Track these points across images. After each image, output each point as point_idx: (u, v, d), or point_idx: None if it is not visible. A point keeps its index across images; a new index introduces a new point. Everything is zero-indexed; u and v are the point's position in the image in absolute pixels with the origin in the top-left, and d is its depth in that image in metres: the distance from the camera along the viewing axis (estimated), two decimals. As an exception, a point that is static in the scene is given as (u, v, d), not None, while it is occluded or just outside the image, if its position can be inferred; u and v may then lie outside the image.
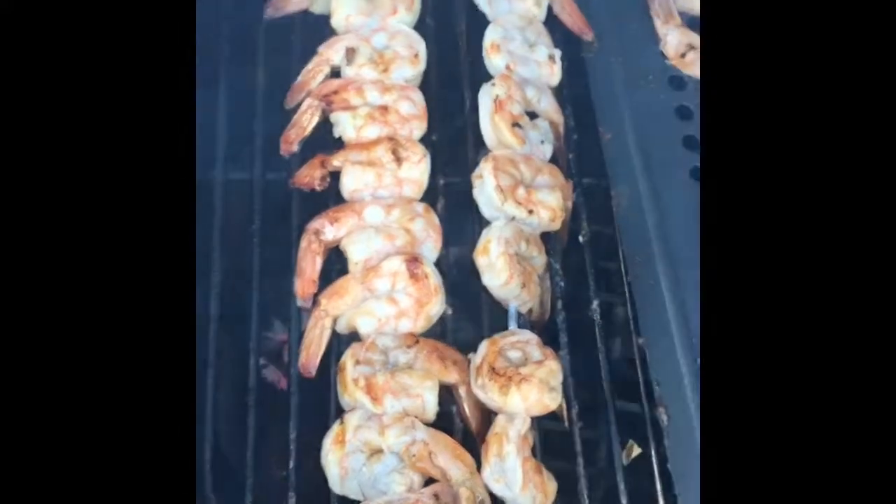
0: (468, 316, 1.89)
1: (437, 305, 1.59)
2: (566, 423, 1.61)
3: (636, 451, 1.63)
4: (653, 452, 1.58)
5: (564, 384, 1.60)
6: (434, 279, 1.59)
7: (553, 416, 1.67)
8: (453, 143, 1.91)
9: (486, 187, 1.68)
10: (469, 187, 1.74)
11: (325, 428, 1.51)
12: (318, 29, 1.87)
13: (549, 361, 1.54)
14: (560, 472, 1.55)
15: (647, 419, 1.60)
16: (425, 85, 1.84)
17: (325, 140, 1.77)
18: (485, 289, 1.67)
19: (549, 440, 1.66)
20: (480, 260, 1.62)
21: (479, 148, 1.81)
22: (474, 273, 1.68)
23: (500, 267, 1.60)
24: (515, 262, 1.61)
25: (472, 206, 1.73)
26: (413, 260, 1.58)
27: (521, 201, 1.67)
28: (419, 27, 1.88)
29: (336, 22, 1.84)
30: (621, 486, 1.56)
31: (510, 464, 1.45)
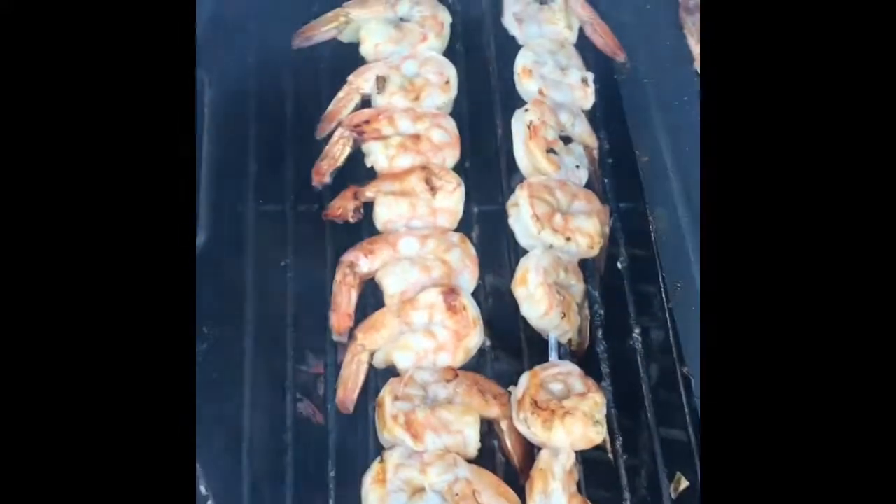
0: (506, 347, 1.86)
1: (475, 338, 1.56)
2: (611, 456, 1.57)
3: (684, 483, 1.59)
4: (699, 483, 1.54)
5: (608, 415, 1.56)
6: (472, 311, 1.56)
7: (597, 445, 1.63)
8: (486, 170, 1.88)
9: (522, 215, 1.65)
10: (503, 215, 1.71)
11: (365, 466, 1.48)
12: (347, 58, 1.85)
13: (592, 394, 1.50)
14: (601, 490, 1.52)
15: (693, 449, 1.56)
16: (457, 112, 1.81)
17: (357, 170, 1.75)
18: (523, 319, 1.64)
19: (591, 469, 1.62)
20: (519, 290, 1.59)
21: (512, 174, 1.79)
22: (512, 303, 1.64)
23: (539, 297, 1.56)
24: (554, 291, 1.58)
25: (507, 234, 1.71)
26: (450, 292, 1.55)
27: (559, 229, 1.64)
28: (449, 53, 1.86)
29: (365, 50, 1.82)
30: (672, 512, 1.52)
31: (556, 501, 1.41)
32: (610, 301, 1.71)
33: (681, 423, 1.61)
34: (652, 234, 1.74)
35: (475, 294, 1.65)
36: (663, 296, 1.69)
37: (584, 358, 1.68)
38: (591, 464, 1.61)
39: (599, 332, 1.67)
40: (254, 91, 1.83)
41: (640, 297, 1.72)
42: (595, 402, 1.49)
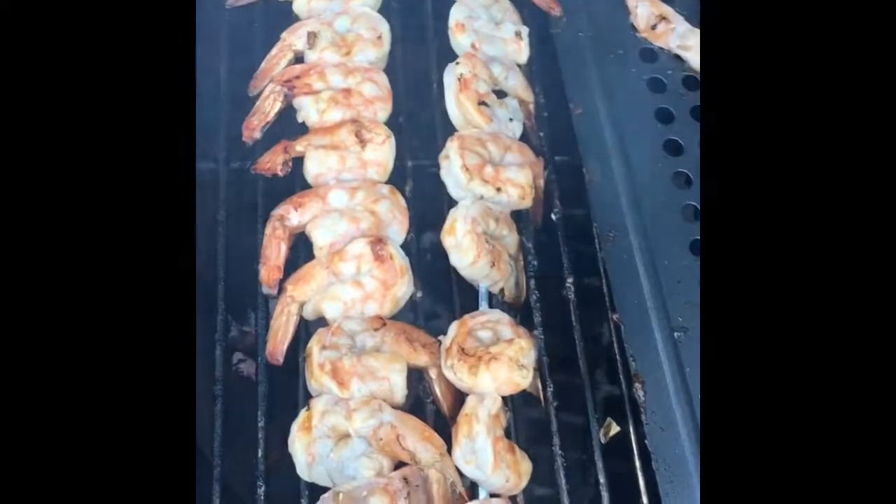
0: (442, 301, 1.87)
1: (403, 287, 1.56)
2: (542, 403, 1.58)
3: (614, 428, 1.60)
4: (630, 429, 1.55)
5: (540, 364, 1.57)
6: (400, 260, 1.56)
7: (533, 402, 1.64)
8: (422, 127, 1.88)
9: (452, 167, 1.65)
10: (438, 171, 1.71)
11: (295, 415, 1.49)
12: (281, 16, 1.85)
13: (519, 339, 1.50)
14: (537, 455, 1.52)
15: (624, 396, 1.57)
16: (391, 68, 1.81)
17: (289, 127, 1.75)
18: (454, 270, 1.64)
19: (530, 427, 1.63)
20: (447, 240, 1.59)
21: (449, 132, 1.79)
22: (447, 258, 1.65)
23: (466, 245, 1.57)
24: (483, 240, 1.58)
25: (444, 191, 1.71)
26: (377, 241, 1.56)
27: (489, 179, 1.64)
28: (384, 11, 1.85)
29: (298, 7, 1.82)
30: (599, 465, 1.53)
31: (480, 444, 1.42)
32: (544, 252, 1.72)
33: (612, 370, 1.62)
34: (586, 186, 1.74)
35: (409, 248, 1.65)
36: (596, 245, 1.69)
37: (520, 309, 1.69)
38: (530, 422, 1.63)
39: (532, 283, 1.68)
40: (187, 50, 1.82)
41: (573, 248, 1.72)
42: (521, 347, 1.49)
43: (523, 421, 1.63)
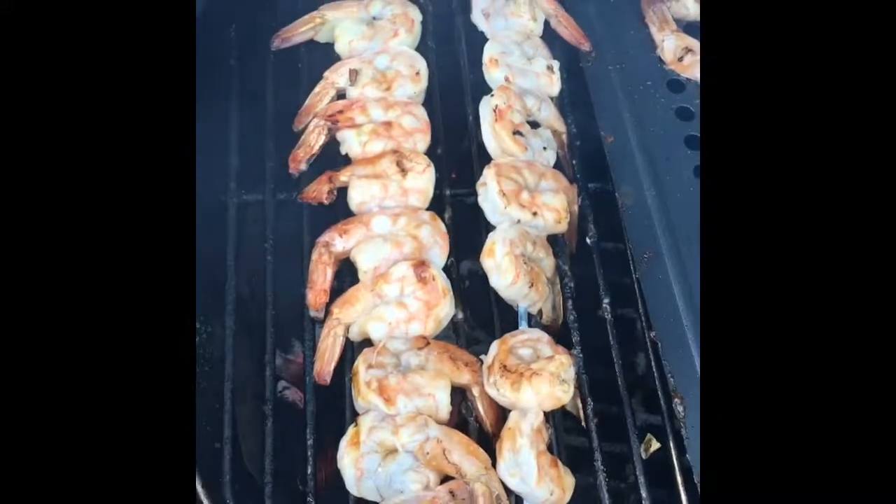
0: (482, 325, 1.91)
1: (445, 307, 1.61)
2: (582, 422, 1.61)
3: (655, 444, 1.63)
4: (671, 444, 1.57)
5: (579, 382, 1.61)
6: (442, 281, 1.62)
7: (572, 427, 1.67)
8: (459, 158, 1.96)
9: (489, 193, 1.71)
10: (476, 200, 1.77)
11: (342, 433, 1.53)
12: (323, 56, 1.94)
13: (559, 356, 1.55)
14: (578, 479, 1.55)
15: (663, 413, 1.60)
16: (429, 103, 1.90)
17: (333, 159, 1.82)
18: (496, 295, 1.69)
19: (570, 451, 1.66)
20: (487, 262, 1.65)
21: (485, 162, 1.86)
22: (487, 284, 1.70)
23: (505, 267, 1.62)
24: (521, 262, 1.63)
25: (482, 221, 1.77)
26: (420, 264, 1.62)
27: (525, 204, 1.70)
28: (421, 49, 1.94)
29: (340, 48, 1.91)
30: (641, 479, 1.55)
31: (524, 457, 1.46)
32: (580, 274, 1.77)
33: (650, 387, 1.65)
34: (619, 210, 1.79)
35: (449, 273, 1.71)
36: (631, 267, 1.74)
37: (559, 332, 1.73)
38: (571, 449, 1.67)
39: (570, 304, 1.72)
40: (235, 90, 1.92)
41: (609, 270, 1.77)
42: (561, 363, 1.53)
43: (564, 447, 1.65)
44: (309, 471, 1.54)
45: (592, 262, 1.78)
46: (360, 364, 1.55)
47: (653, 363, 1.64)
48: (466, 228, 1.81)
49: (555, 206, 1.72)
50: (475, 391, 1.57)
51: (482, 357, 1.60)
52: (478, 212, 1.77)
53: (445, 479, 1.47)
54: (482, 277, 1.71)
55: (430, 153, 1.81)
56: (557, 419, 1.65)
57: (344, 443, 1.49)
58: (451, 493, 1.43)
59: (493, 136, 1.78)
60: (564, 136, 1.89)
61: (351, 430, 1.50)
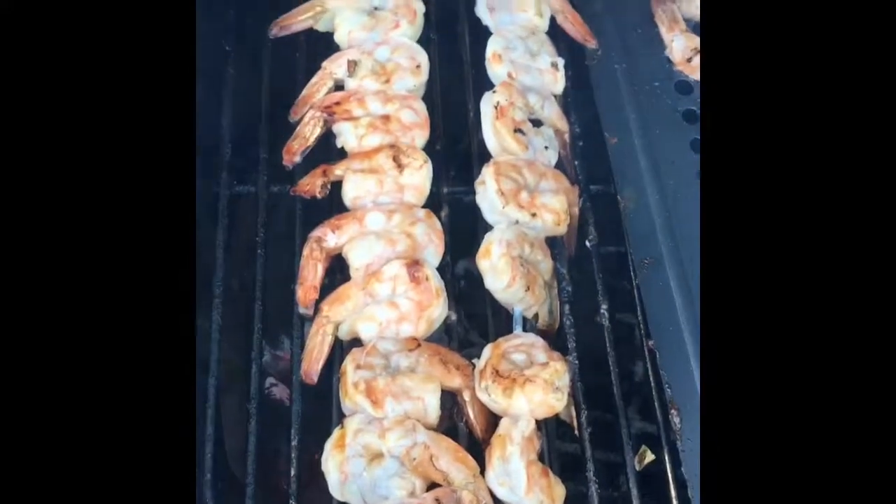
0: (476, 327, 1.87)
1: (438, 308, 1.57)
2: (576, 430, 1.57)
3: (649, 456, 1.58)
4: (666, 457, 1.53)
5: (574, 390, 1.56)
6: (435, 282, 1.57)
7: (565, 435, 1.63)
8: (458, 155, 1.91)
9: (488, 192, 1.66)
10: (474, 198, 1.73)
11: (328, 435, 1.49)
12: (322, 46, 1.89)
13: (553, 363, 1.50)
14: (570, 489, 1.51)
15: (659, 424, 1.55)
16: (429, 97, 1.85)
17: (329, 152, 1.78)
18: (491, 297, 1.65)
19: (563, 458, 1.62)
20: (483, 263, 1.60)
21: (485, 160, 1.81)
22: (482, 285, 1.65)
23: (501, 268, 1.57)
24: (518, 264, 1.59)
25: (480, 220, 1.72)
26: (413, 263, 1.57)
27: (524, 205, 1.65)
28: (423, 42, 1.89)
29: (339, 38, 1.86)
30: (634, 490, 1.51)
31: (514, 466, 1.41)
32: (578, 279, 1.72)
33: (647, 397, 1.61)
34: (621, 214, 1.75)
35: (445, 274, 1.66)
36: (632, 272, 1.70)
37: (554, 337, 1.69)
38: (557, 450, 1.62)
39: (567, 308, 1.68)
40: (230, 77, 1.87)
41: (608, 275, 1.72)
42: (556, 370, 1.49)
43: (556, 454, 1.61)
44: (292, 472, 1.49)
45: (591, 265, 1.73)
46: (349, 364, 1.50)
47: (650, 372, 1.59)
48: (463, 228, 1.76)
49: (554, 208, 1.67)
50: (466, 396, 1.53)
51: (475, 361, 1.56)
52: (476, 211, 1.73)
53: (432, 486, 1.42)
54: (478, 279, 1.66)
55: (429, 149, 1.76)
56: (550, 424, 1.60)
57: (329, 445, 1.45)
58: (437, 500, 1.39)
59: (493, 133, 1.73)
60: (567, 136, 1.84)
61: (336, 432, 1.46)
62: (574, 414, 1.57)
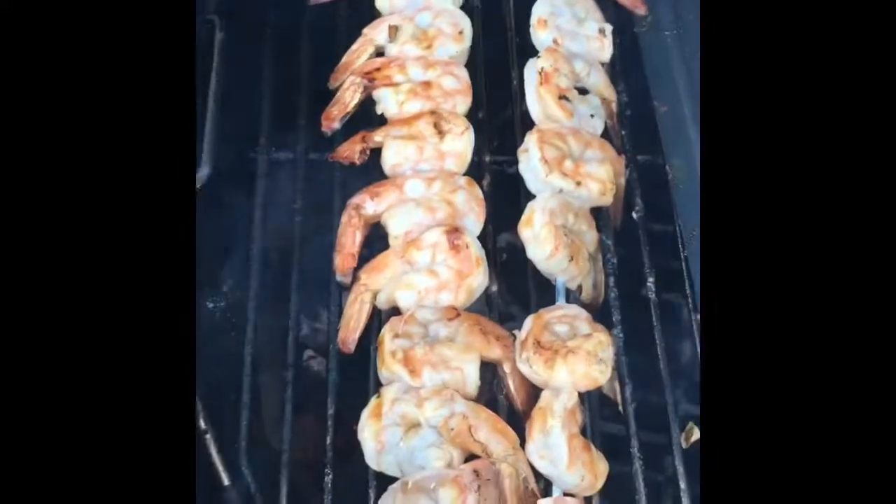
0: (517, 300, 1.82)
1: (479, 277, 1.52)
2: (620, 406, 1.52)
3: (696, 433, 1.53)
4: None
5: (618, 364, 1.51)
6: (476, 250, 1.53)
7: (612, 415, 1.57)
8: (502, 124, 1.86)
9: (531, 160, 1.61)
10: (517, 168, 1.68)
11: (365, 405, 1.45)
12: (363, 13, 1.86)
13: (597, 334, 1.45)
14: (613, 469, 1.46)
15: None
16: (472, 65, 1.80)
17: (369, 120, 1.74)
18: (534, 269, 1.60)
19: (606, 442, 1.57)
20: (525, 232, 1.55)
21: (529, 129, 1.76)
22: (525, 258, 1.61)
23: (544, 237, 1.52)
24: (561, 233, 1.53)
25: (523, 191, 1.67)
26: (453, 230, 1.53)
27: (569, 173, 1.60)
28: (466, 8, 1.84)
29: (380, 3, 1.82)
30: (680, 469, 1.45)
31: (555, 439, 1.37)
32: (624, 250, 1.67)
33: (693, 369, 1.55)
34: (670, 184, 1.69)
35: (486, 244, 1.62)
36: (680, 245, 1.64)
37: (598, 311, 1.63)
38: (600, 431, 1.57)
39: (612, 282, 1.62)
40: (271, 45, 1.85)
41: (655, 247, 1.66)
42: (599, 342, 1.44)
43: (599, 435, 1.56)
44: (328, 441, 1.47)
45: (638, 238, 1.68)
46: (386, 333, 1.47)
47: (697, 346, 1.53)
48: (506, 199, 1.71)
49: (600, 177, 1.61)
50: (506, 367, 1.49)
51: (515, 332, 1.51)
52: (519, 182, 1.67)
53: (470, 457, 1.38)
54: (520, 251, 1.61)
55: (471, 117, 1.72)
56: (594, 405, 1.55)
57: (365, 414, 1.42)
58: (476, 472, 1.34)
59: (537, 99, 1.68)
60: (614, 105, 1.78)
61: (373, 401, 1.43)
62: (618, 389, 1.52)
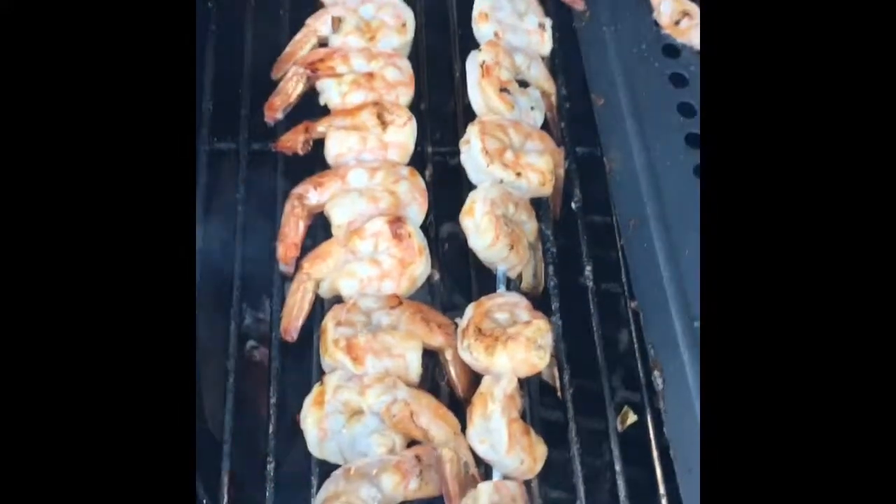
0: (459, 289, 1.85)
1: (421, 266, 1.55)
2: (558, 392, 1.56)
3: (631, 417, 1.57)
4: (648, 418, 1.52)
5: (556, 350, 1.55)
6: (418, 239, 1.55)
7: (551, 403, 1.61)
8: (443, 116, 1.88)
9: (472, 151, 1.64)
10: (460, 161, 1.70)
11: (308, 393, 1.46)
12: (306, 3, 1.86)
13: (536, 321, 1.48)
14: (552, 442, 1.50)
15: (642, 385, 1.54)
16: (414, 57, 1.82)
17: (312, 110, 1.75)
18: (475, 258, 1.63)
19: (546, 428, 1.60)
20: (466, 221, 1.58)
21: (470, 121, 1.79)
22: (466, 247, 1.63)
23: (484, 227, 1.55)
24: (502, 222, 1.56)
25: (464, 182, 1.69)
26: (396, 220, 1.55)
27: (509, 164, 1.63)
28: (409, 1, 1.86)
29: (324, -5, 1.83)
30: (615, 452, 1.50)
31: (495, 424, 1.40)
32: (563, 240, 1.70)
33: (631, 366, 1.59)
34: (607, 175, 1.73)
35: (429, 234, 1.64)
36: (616, 234, 1.68)
37: (538, 299, 1.67)
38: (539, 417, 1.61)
39: (551, 270, 1.66)
40: (212, 33, 1.83)
41: (593, 236, 1.70)
42: (538, 328, 1.47)
43: (539, 421, 1.59)
44: (270, 430, 1.47)
45: (577, 228, 1.72)
46: (329, 321, 1.48)
47: (633, 334, 1.58)
48: (448, 190, 1.74)
49: (540, 168, 1.65)
50: (448, 354, 1.51)
51: (457, 320, 1.54)
52: (460, 173, 1.70)
53: (412, 443, 1.41)
54: (462, 241, 1.64)
55: (414, 108, 1.74)
56: (533, 392, 1.59)
57: (308, 402, 1.43)
58: (417, 457, 1.37)
59: (479, 92, 1.71)
60: (553, 98, 1.82)
61: (315, 388, 1.44)
62: (557, 375, 1.56)
